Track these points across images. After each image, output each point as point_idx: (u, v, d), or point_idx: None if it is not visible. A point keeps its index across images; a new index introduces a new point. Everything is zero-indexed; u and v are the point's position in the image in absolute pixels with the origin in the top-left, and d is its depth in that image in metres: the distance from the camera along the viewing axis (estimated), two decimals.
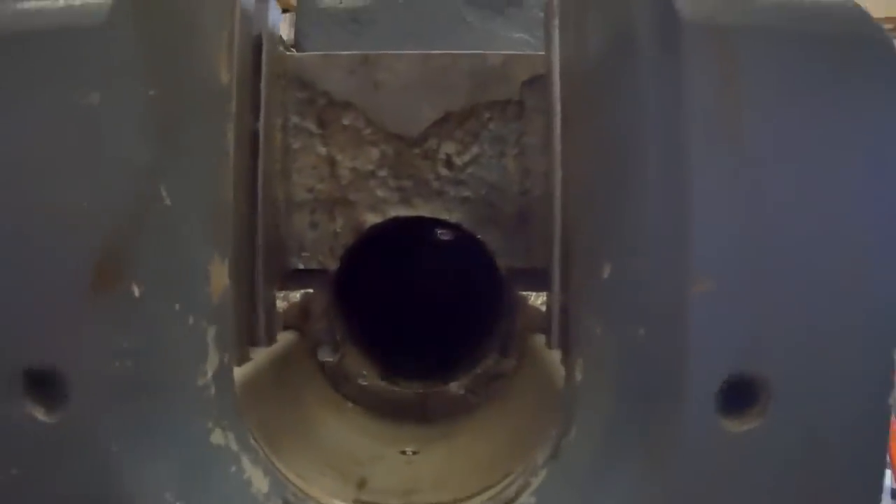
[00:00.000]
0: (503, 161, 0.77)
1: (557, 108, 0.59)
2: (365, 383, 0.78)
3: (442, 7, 1.18)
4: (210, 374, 0.43)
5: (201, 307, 0.43)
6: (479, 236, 0.77)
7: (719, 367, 0.38)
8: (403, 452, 0.62)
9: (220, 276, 0.44)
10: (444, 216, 0.77)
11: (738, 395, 0.38)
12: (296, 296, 0.74)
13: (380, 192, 0.77)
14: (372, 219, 0.77)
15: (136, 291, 0.38)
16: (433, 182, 0.77)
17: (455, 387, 0.78)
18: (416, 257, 0.85)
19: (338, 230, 0.77)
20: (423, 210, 0.77)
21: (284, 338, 0.67)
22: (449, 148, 0.77)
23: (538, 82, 0.75)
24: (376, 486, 0.52)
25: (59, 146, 0.37)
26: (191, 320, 0.42)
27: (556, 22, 0.58)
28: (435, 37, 1.20)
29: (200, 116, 0.44)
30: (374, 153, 0.77)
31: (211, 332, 0.43)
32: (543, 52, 0.73)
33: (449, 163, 0.77)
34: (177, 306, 0.41)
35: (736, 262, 0.38)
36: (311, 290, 0.73)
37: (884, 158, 0.38)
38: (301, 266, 0.78)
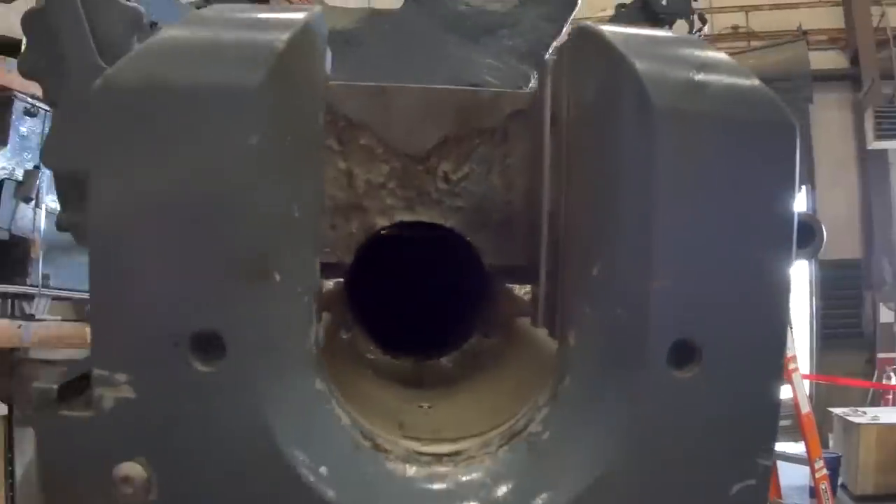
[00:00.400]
0: (490, 178, 0.95)
1: (548, 145, 0.77)
2: (372, 357, 0.96)
3: (424, 33, 1.35)
4: (313, 338, 0.60)
5: (310, 290, 0.60)
6: (468, 239, 0.94)
7: (669, 335, 0.57)
8: (420, 406, 0.80)
9: (317, 269, 0.61)
10: (441, 221, 0.94)
11: (682, 353, 0.58)
12: (329, 284, 0.90)
13: (389, 200, 0.94)
14: (381, 222, 0.94)
15: (277, 277, 0.56)
16: (433, 193, 0.94)
17: (445, 361, 0.96)
18: (415, 254, 1.02)
19: (353, 231, 0.93)
20: (424, 216, 0.94)
21: (324, 317, 0.84)
22: (446, 166, 0.94)
23: (520, 115, 0.93)
24: (412, 427, 0.70)
25: (230, 173, 0.54)
26: (305, 299, 0.59)
27: (549, 80, 0.76)
28: (417, 59, 1.34)
29: (308, 150, 0.61)
30: (385, 168, 0.93)
31: (314, 309, 0.60)
32: (523, 89, 0.91)
33: (446, 178, 0.94)
34: (298, 289, 0.58)
35: (682, 267, 0.57)
36: (341, 280, 0.90)
37: (778, 200, 0.58)
38: (323, 260, 0.94)
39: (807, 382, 10.78)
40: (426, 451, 0.65)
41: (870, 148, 11.48)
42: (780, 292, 0.60)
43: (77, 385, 0.61)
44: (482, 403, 0.75)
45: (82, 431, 0.57)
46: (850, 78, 12.39)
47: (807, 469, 6.59)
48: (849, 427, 9.54)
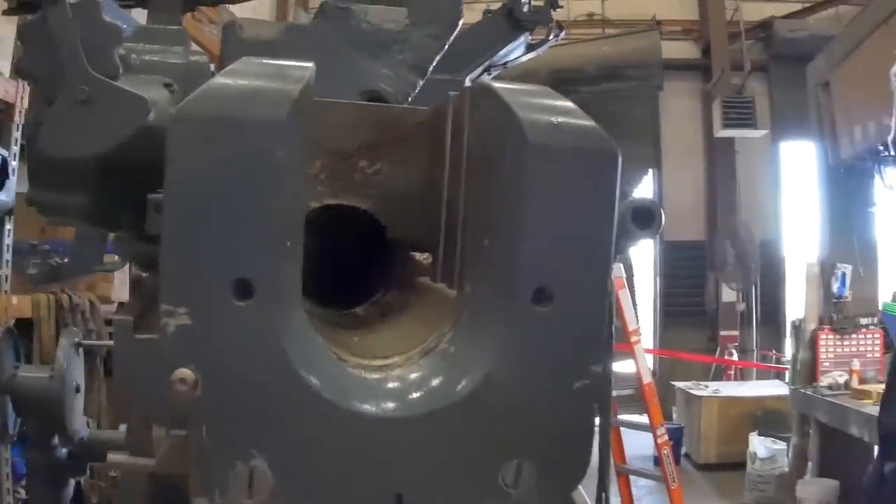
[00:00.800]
0: (395, 173, 1.29)
1: (448, 154, 1.13)
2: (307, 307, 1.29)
3: (333, 45, 1.67)
4: (300, 284, 0.94)
5: (302, 251, 0.94)
6: (378, 218, 1.28)
7: (533, 283, 0.94)
8: (352, 339, 1.14)
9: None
10: (359, 204, 1.28)
11: (540, 295, 0.94)
12: None
13: (320, 188, 1.26)
14: (314, 204, 1.26)
15: (288, 244, 0.89)
16: (353, 184, 1.28)
17: (358, 310, 1.31)
18: (337, 232, 1.36)
19: None
20: (346, 200, 1.26)
21: None
22: (364, 163, 1.27)
23: (421, 126, 1.27)
24: (353, 350, 1.05)
25: (265, 175, 0.86)
26: (298, 256, 0.93)
27: (451, 108, 1.12)
28: (328, 67, 1.66)
29: (305, 157, 0.94)
30: (318, 163, 1.25)
31: (301, 263, 0.94)
32: (426, 107, 1.26)
33: (363, 172, 1.27)
34: (297, 250, 0.92)
35: (542, 240, 0.94)
36: None
37: (605, 199, 0.96)
38: None
39: (650, 357, 11.61)
40: (369, 364, 0.99)
41: (717, 136, 12.35)
42: (603, 257, 0.97)
43: (143, 316, 0.92)
44: (398, 335, 1.10)
45: (150, 349, 0.88)
46: (701, 68, 13.31)
47: (649, 435, 7.19)
48: (691, 400, 10.44)
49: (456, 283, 1.05)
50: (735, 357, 11.90)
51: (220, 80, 0.91)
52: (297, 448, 0.90)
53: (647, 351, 10.31)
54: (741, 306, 12.34)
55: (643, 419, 7.45)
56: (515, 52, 2.70)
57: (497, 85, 0.98)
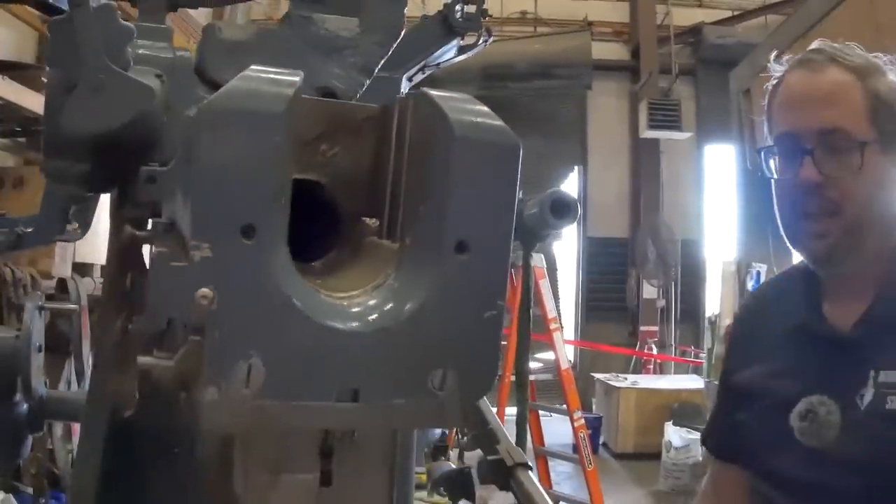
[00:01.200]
0: (348, 156, 1.66)
1: (393, 144, 1.51)
2: None
3: (294, 48, 2.04)
4: (287, 230, 1.32)
5: (289, 207, 1.32)
6: (336, 192, 1.66)
7: (455, 237, 1.33)
8: (314, 282, 1.51)
9: None
10: (318, 179, 1.65)
11: (461, 247, 1.34)
12: None
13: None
14: None
15: (283, 201, 1.26)
16: (316, 163, 1.65)
17: (317, 264, 1.69)
18: (302, 200, 1.73)
19: None
20: (309, 175, 1.64)
21: None
22: (324, 147, 1.62)
23: (369, 120, 1.64)
24: (320, 287, 1.42)
25: (267, 152, 1.23)
26: (287, 211, 1.31)
27: (397, 107, 1.51)
28: (291, 66, 2.03)
29: (290, 140, 1.32)
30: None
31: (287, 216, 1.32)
32: (375, 105, 1.64)
33: (323, 154, 1.64)
34: (286, 205, 1.30)
35: (461, 207, 1.34)
36: None
37: (509, 181, 1.36)
38: None
39: (571, 349, 12.11)
40: (335, 295, 1.38)
41: (642, 136, 12.95)
42: (507, 222, 1.36)
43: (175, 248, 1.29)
44: (354, 277, 1.47)
45: (180, 273, 1.24)
46: (629, 70, 13.90)
47: (566, 420, 7.68)
48: (609, 391, 11.01)
49: (398, 238, 1.44)
50: (656, 352, 12.53)
51: (235, 83, 1.28)
52: (284, 352, 1.27)
53: (569, 342, 10.84)
54: (661, 303, 12.98)
55: (562, 408, 7.91)
56: (448, 53, 3.11)
57: (434, 93, 1.37)
